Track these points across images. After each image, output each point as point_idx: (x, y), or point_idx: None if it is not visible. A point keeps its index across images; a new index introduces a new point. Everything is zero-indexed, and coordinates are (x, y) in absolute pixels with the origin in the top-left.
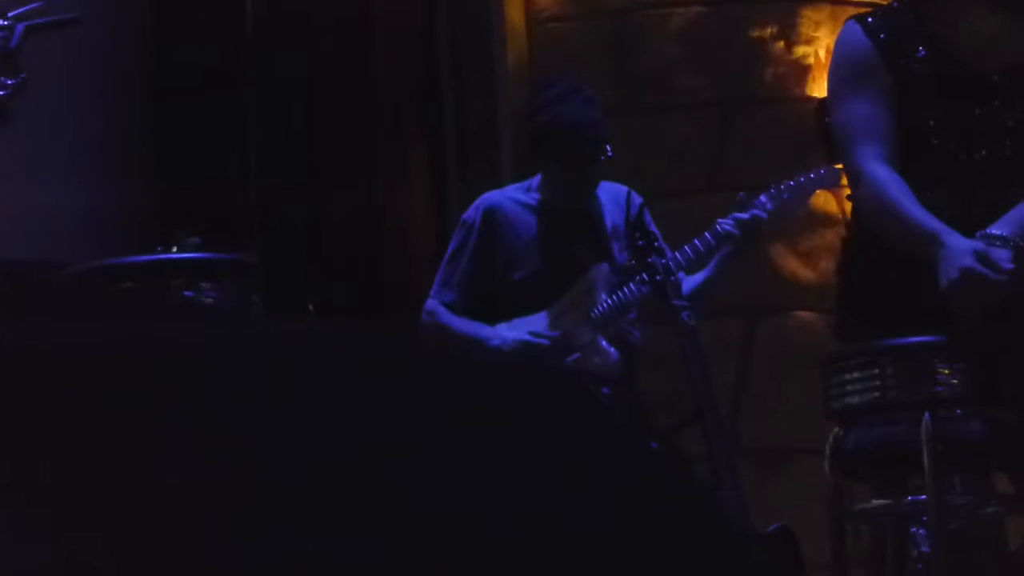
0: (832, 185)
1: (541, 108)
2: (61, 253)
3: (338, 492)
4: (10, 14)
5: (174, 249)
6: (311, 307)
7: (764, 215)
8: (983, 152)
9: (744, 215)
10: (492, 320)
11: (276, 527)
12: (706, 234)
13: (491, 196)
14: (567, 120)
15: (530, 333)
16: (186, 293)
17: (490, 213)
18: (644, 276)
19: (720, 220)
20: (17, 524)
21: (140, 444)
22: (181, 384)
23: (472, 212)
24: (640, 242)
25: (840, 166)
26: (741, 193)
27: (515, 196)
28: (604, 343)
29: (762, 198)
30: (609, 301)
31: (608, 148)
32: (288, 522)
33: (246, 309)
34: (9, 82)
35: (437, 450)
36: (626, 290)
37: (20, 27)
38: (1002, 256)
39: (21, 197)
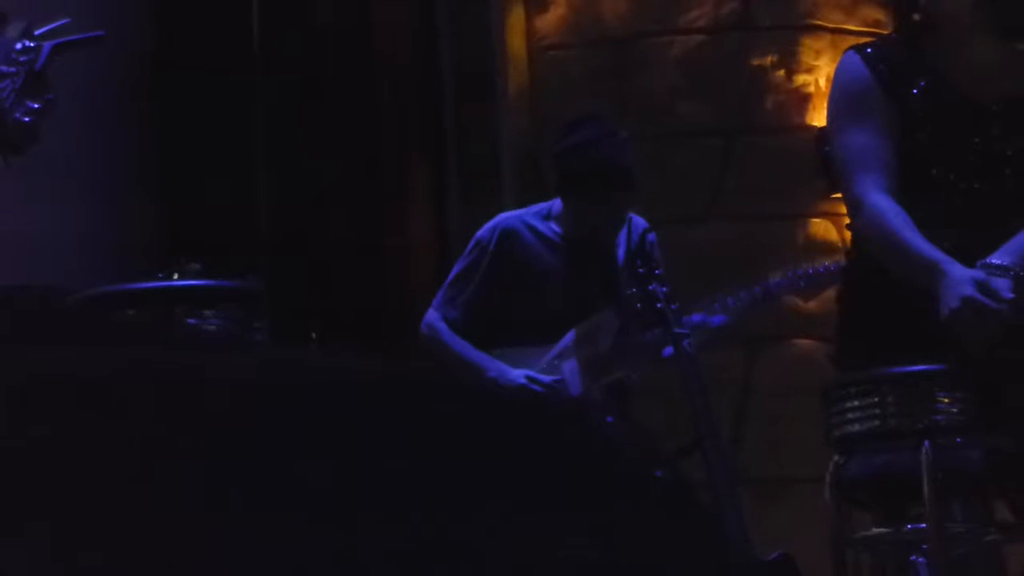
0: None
1: (580, 147)
2: (64, 278)
3: (340, 520)
4: (36, 32)
5: (175, 275)
6: (314, 334)
7: (776, 294)
8: (983, 182)
9: (757, 292)
10: (491, 344)
11: (276, 552)
12: (716, 304)
13: (507, 219)
14: (608, 163)
15: (527, 378)
16: (189, 320)
17: (505, 237)
18: (644, 304)
19: (731, 298)
20: (24, 543)
21: (149, 471)
22: (185, 410)
23: (487, 233)
24: (641, 270)
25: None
26: (756, 288)
27: (532, 223)
28: (597, 391)
29: (777, 280)
30: (611, 348)
31: (640, 192)
32: (288, 547)
33: (250, 337)
34: (35, 106)
35: (441, 479)
36: (631, 341)
37: (47, 47)
38: (1003, 285)
39: (24, 221)
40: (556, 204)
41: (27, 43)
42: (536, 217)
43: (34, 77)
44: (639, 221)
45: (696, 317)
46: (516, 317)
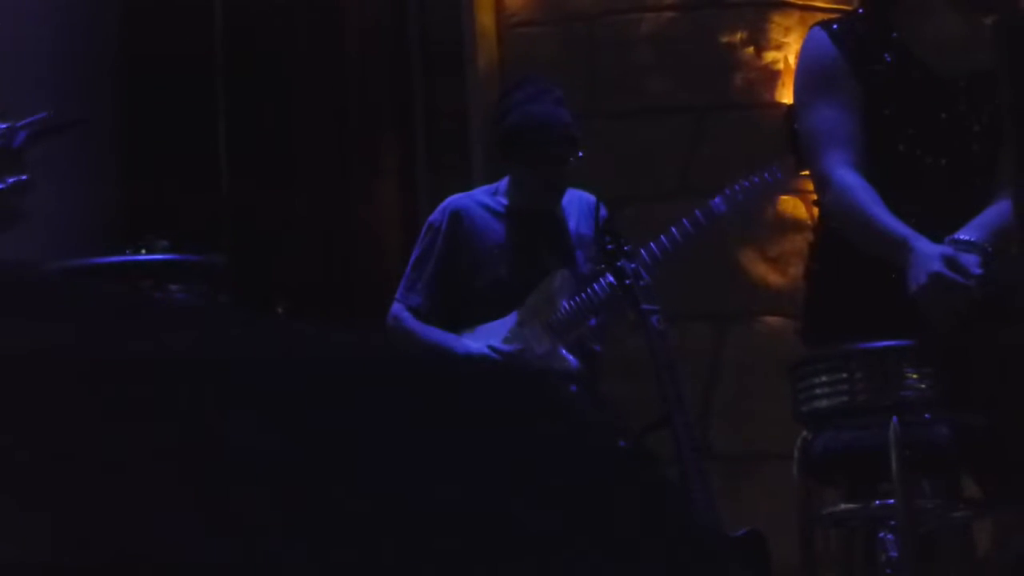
0: (786, 184)
1: (511, 108)
2: (29, 255)
3: (304, 492)
4: (17, 125)
5: (142, 251)
6: (280, 309)
7: (718, 215)
8: (950, 156)
9: (699, 215)
10: (457, 324)
11: (241, 528)
12: (663, 237)
13: (457, 199)
14: (537, 118)
15: (488, 347)
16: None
17: (456, 217)
18: (613, 280)
19: (675, 228)
20: None
21: (114, 446)
22: (154, 386)
23: (438, 215)
24: (610, 246)
25: (805, 172)
26: (697, 212)
27: (481, 200)
28: (564, 352)
29: (716, 200)
30: (569, 307)
31: (579, 150)
32: (252, 523)
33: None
34: (10, 180)
35: (401, 449)
36: (585, 295)
37: (24, 133)
38: (971, 261)
39: None
40: (504, 181)
41: (2, 125)
42: (485, 194)
43: (10, 155)
44: (602, 206)
45: (644, 252)
46: (476, 294)
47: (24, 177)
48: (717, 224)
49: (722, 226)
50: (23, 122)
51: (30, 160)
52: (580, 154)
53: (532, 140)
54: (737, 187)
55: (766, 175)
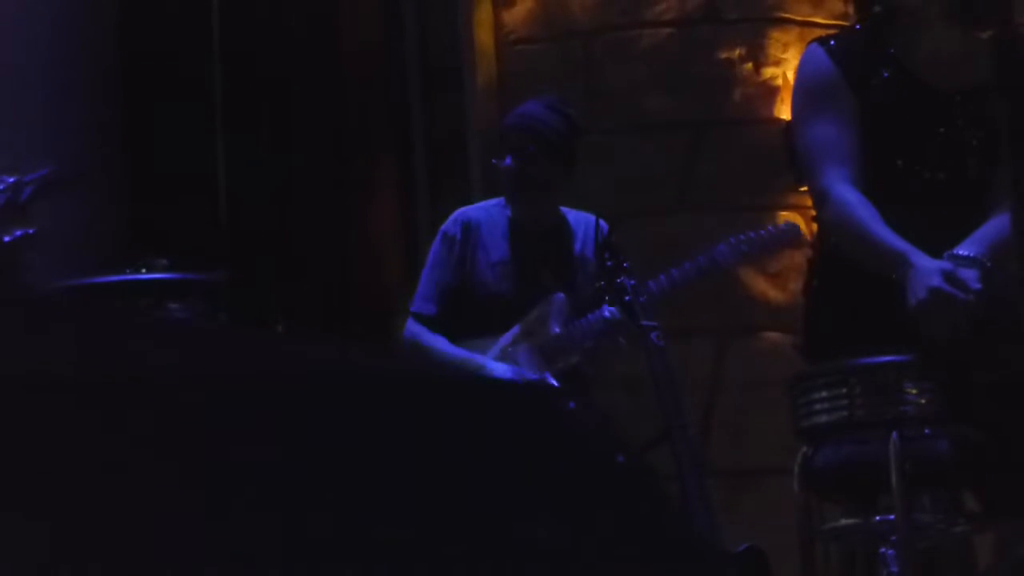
0: (793, 241)
1: (516, 115)
2: (32, 274)
3: (303, 505)
4: (24, 179)
5: (142, 271)
6: (279, 327)
7: (721, 263)
8: (948, 171)
9: (701, 260)
10: (457, 333)
11: (240, 540)
12: (661, 276)
13: (469, 210)
14: (517, 116)
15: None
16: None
17: (468, 227)
18: (611, 309)
19: (675, 270)
20: None
21: (112, 457)
22: (154, 402)
23: (452, 225)
24: (609, 262)
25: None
26: (700, 257)
27: (492, 212)
28: (551, 379)
29: (721, 248)
30: (562, 333)
31: (563, 159)
32: (252, 535)
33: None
34: (17, 233)
35: (402, 463)
36: (578, 324)
37: (30, 188)
38: (970, 276)
39: None
40: None
41: (8, 179)
42: (496, 207)
43: (16, 208)
44: (602, 222)
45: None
46: (475, 307)
47: (31, 231)
48: (718, 271)
49: (724, 272)
50: (29, 176)
51: (35, 213)
52: (572, 170)
53: (508, 135)
54: (743, 237)
55: (773, 229)
